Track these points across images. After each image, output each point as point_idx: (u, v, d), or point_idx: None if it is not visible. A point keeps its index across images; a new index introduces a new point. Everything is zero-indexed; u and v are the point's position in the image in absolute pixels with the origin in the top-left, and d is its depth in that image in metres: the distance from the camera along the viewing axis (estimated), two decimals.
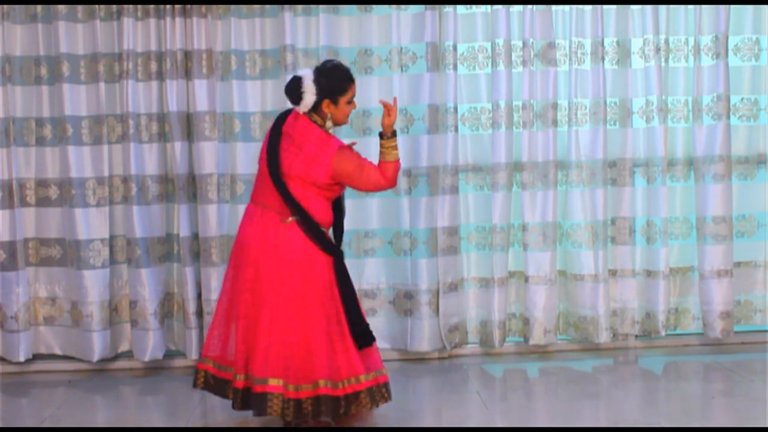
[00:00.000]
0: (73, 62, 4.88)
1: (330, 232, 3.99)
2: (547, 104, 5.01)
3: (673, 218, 5.19)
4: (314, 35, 4.95)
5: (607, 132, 5.05)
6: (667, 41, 5.06)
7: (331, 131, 3.94)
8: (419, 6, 4.96)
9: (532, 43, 4.99)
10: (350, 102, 3.92)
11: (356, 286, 4.19)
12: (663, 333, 5.10)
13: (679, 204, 5.20)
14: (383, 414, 4.14)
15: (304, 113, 3.89)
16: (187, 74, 4.91)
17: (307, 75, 3.87)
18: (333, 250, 3.91)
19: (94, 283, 4.92)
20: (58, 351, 5.11)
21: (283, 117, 3.96)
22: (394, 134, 3.93)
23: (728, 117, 5.02)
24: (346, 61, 4.91)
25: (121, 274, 5.04)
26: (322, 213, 3.90)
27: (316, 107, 3.88)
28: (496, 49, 4.98)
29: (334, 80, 3.87)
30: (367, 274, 5.08)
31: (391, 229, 5.06)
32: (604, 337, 5.06)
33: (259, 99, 5.00)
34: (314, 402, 3.81)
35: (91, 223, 4.92)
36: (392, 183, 3.94)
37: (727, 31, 5.02)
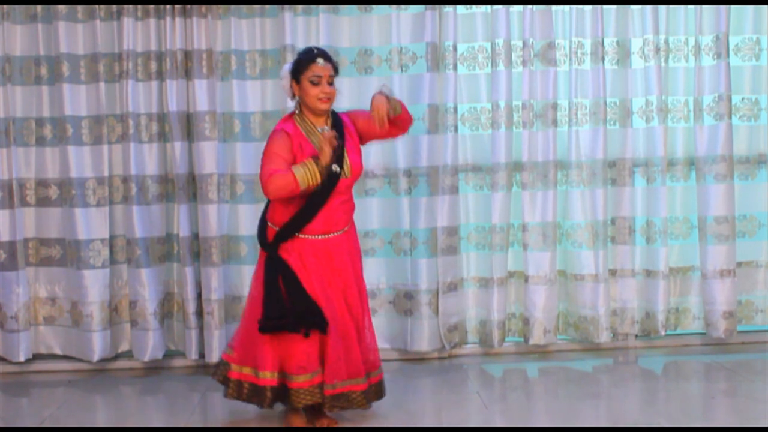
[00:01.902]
0: (73, 62, 4.89)
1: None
2: (547, 104, 5.01)
3: (673, 218, 5.19)
4: (314, 35, 4.95)
5: (607, 132, 5.05)
6: (667, 41, 5.05)
7: (325, 129, 3.88)
8: (419, 6, 4.96)
9: (532, 43, 4.99)
10: (314, 82, 3.82)
11: None
12: (663, 333, 5.10)
13: (679, 204, 5.19)
14: (383, 414, 4.14)
15: (294, 112, 3.94)
16: (187, 74, 4.91)
17: (288, 64, 3.98)
18: (265, 246, 3.91)
19: (94, 283, 4.92)
20: (58, 351, 5.11)
21: None
22: (390, 104, 3.89)
23: (730, 117, 5.02)
24: (346, 61, 4.93)
25: (121, 274, 5.04)
26: (277, 208, 3.88)
27: (295, 97, 3.92)
28: (496, 49, 4.97)
29: (297, 59, 3.92)
30: (367, 274, 5.02)
31: (391, 229, 5.06)
32: (604, 337, 5.06)
33: (259, 99, 5.01)
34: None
35: (91, 223, 4.92)
36: (267, 190, 3.78)
37: (728, 31, 5.01)
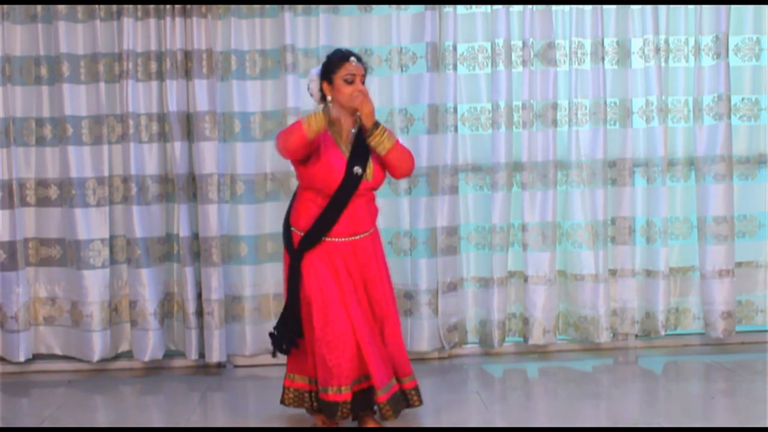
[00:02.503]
0: (73, 62, 4.89)
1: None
2: (547, 104, 5.01)
3: (673, 218, 5.19)
4: (314, 35, 4.95)
5: (607, 132, 5.05)
6: (667, 41, 5.05)
7: (352, 131, 3.85)
8: (419, 6, 4.96)
9: (532, 43, 4.99)
10: (348, 81, 3.79)
11: None
12: (663, 333, 5.10)
13: (679, 204, 5.19)
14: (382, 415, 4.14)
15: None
16: (187, 74, 4.91)
17: (316, 69, 3.94)
18: (290, 251, 3.88)
19: (94, 283, 4.92)
20: (58, 351, 5.11)
21: None
22: (376, 125, 3.78)
23: (729, 117, 5.02)
24: None
25: (121, 274, 5.04)
26: (300, 211, 3.87)
27: (325, 98, 3.85)
28: (496, 49, 4.97)
29: (328, 60, 3.89)
30: None
31: (390, 229, 5.05)
32: (604, 337, 5.06)
33: (259, 99, 5.01)
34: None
35: (91, 223, 4.92)
36: (278, 145, 3.80)
37: (728, 31, 5.01)
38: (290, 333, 3.86)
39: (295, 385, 4.01)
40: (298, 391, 4.00)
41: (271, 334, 3.96)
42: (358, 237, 3.86)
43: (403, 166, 3.90)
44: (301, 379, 3.99)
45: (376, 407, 3.92)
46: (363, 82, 3.84)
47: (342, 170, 3.78)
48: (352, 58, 3.83)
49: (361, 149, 3.81)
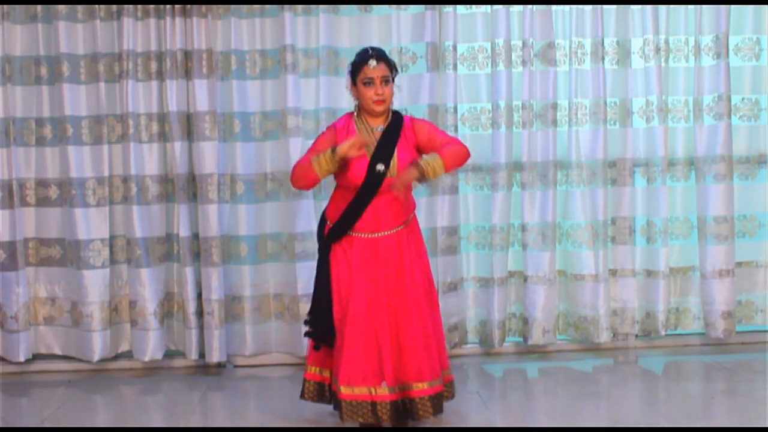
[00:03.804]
0: (73, 62, 4.89)
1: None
2: (547, 104, 5.01)
3: (674, 218, 5.19)
4: (314, 35, 4.95)
5: (607, 132, 5.05)
6: (667, 41, 5.05)
7: (379, 129, 3.86)
8: (419, 6, 4.96)
9: (532, 43, 4.99)
10: (367, 83, 3.80)
11: None
12: (663, 333, 5.10)
13: (680, 204, 5.19)
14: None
15: (353, 112, 3.93)
16: (187, 74, 4.91)
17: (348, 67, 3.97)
18: (319, 242, 3.94)
19: (94, 283, 4.92)
20: (58, 351, 5.11)
21: None
22: (422, 175, 3.75)
23: (729, 117, 5.02)
24: (345, 61, 4.91)
25: (121, 274, 5.04)
26: (332, 204, 3.93)
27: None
28: (496, 49, 4.97)
29: (351, 62, 3.90)
30: None
31: None
32: (604, 337, 5.06)
33: (259, 99, 5.01)
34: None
35: (91, 223, 4.92)
36: (291, 177, 3.94)
37: (728, 31, 5.01)
38: (323, 331, 3.85)
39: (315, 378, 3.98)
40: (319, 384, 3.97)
41: (306, 333, 3.94)
42: (379, 234, 3.82)
43: (460, 163, 3.92)
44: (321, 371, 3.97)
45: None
46: (387, 82, 3.83)
47: (365, 167, 3.78)
48: (372, 61, 3.80)
49: (385, 147, 3.80)
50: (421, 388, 3.77)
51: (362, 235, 3.83)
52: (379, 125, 3.87)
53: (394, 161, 3.80)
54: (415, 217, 3.96)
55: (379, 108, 3.81)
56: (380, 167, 3.77)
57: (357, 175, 3.78)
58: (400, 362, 3.77)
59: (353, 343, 3.75)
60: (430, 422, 4.07)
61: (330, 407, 3.98)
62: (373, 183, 3.78)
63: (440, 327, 3.99)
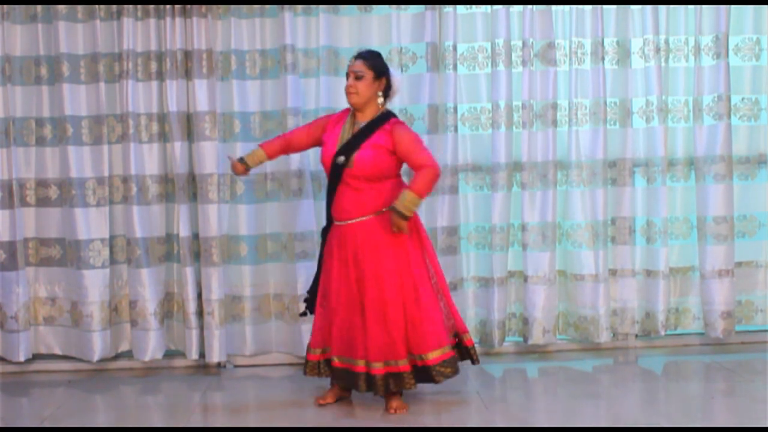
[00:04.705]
0: (73, 62, 4.89)
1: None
2: (547, 104, 5.01)
3: (673, 218, 5.19)
4: (314, 35, 4.95)
5: (607, 132, 5.05)
6: (667, 41, 5.06)
7: (357, 126, 4.24)
8: (419, 6, 4.96)
9: (532, 43, 4.99)
10: (347, 76, 4.19)
11: None
12: (663, 333, 5.10)
13: (679, 204, 5.20)
14: (383, 414, 4.14)
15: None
16: (187, 74, 4.91)
17: None
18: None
19: (94, 283, 4.92)
20: (58, 351, 5.11)
21: None
22: (404, 216, 4.04)
23: (729, 117, 5.02)
24: (345, 61, 4.92)
25: (121, 274, 5.04)
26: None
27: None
28: (496, 49, 4.98)
29: None
30: None
31: None
32: (604, 337, 5.07)
33: (259, 99, 5.01)
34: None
35: (91, 223, 4.92)
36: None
37: (728, 31, 5.02)
38: (307, 300, 4.39)
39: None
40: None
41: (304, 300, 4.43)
42: (351, 222, 4.14)
43: (431, 188, 4.15)
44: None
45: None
46: (359, 78, 4.14)
47: (330, 158, 4.15)
48: (353, 58, 4.21)
49: (354, 141, 4.13)
50: (377, 367, 4.10)
51: (338, 223, 4.18)
52: (363, 122, 4.18)
53: (354, 156, 4.09)
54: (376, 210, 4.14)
55: (350, 99, 4.15)
56: (340, 159, 4.11)
57: (325, 164, 4.20)
58: (365, 338, 4.12)
59: (317, 315, 4.27)
60: (430, 422, 4.08)
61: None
62: (334, 173, 4.15)
63: (431, 310, 4.19)
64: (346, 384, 4.25)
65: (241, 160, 4.34)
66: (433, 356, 4.13)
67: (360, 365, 4.13)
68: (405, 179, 4.33)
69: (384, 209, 4.10)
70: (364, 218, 4.11)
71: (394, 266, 4.10)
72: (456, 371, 4.19)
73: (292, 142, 4.37)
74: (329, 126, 4.26)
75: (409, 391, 4.34)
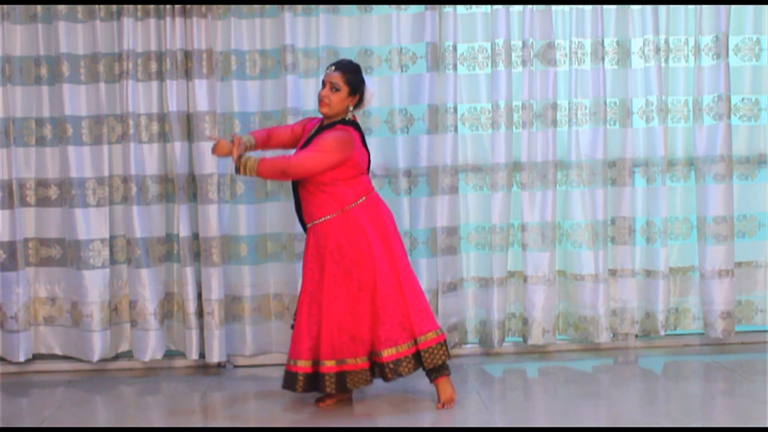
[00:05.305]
0: (73, 62, 4.89)
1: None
2: (547, 104, 5.01)
3: (673, 218, 5.19)
4: (314, 35, 4.95)
5: (607, 132, 5.05)
6: (667, 41, 5.05)
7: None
8: (419, 6, 4.96)
9: (532, 43, 4.99)
10: (323, 83, 4.24)
11: None
12: (662, 333, 5.10)
13: (679, 204, 5.19)
14: (383, 414, 4.14)
15: None
16: (187, 74, 4.91)
17: None
18: None
19: (94, 283, 4.92)
20: (58, 351, 5.11)
21: None
22: (237, 168, 4.13)
23: (729, 117, 5.02)
24: None
25: (121, 274, 5.04)
26: None
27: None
28: (496, 49, 4.98)
29: None
30: None
31: None
32: (604, 337, 5.07)
33: (259, 99, 5.01)
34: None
35: (91, 223, 4.92)
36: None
37: (728, 31, 5.01)
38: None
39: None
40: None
41: None
42: (314, 223, 4.22)
43: (272, 176, 4.18)
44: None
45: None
46: (335, 90, 4.17)
47: None
48: (331, 67, 4.24)
49: (306, 146, 4.20)
50: (328, 365, 4.16)
51: (308, 225, 4.25)
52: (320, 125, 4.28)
53: None
54: (357, 207, 4.18)
55: (321, 108, 4.20)
56: None
57: None
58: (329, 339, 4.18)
59: (303, 323, 4.24)
60: (430, 422, 4.08)
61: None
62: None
63: (394, 305, 4.18)
64: (351, 387, 4.19)
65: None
66: (387, 354, 4.15)
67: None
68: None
69: (347, 207, 4.16)
70: (328, 217, 4.17)
71: (366, 260, 4.15)
72: (410, 371, 4.18)
73: (272, 135, 4.41)
74: (306, 129, 4.36)
75: (408, 391, 4.35)
